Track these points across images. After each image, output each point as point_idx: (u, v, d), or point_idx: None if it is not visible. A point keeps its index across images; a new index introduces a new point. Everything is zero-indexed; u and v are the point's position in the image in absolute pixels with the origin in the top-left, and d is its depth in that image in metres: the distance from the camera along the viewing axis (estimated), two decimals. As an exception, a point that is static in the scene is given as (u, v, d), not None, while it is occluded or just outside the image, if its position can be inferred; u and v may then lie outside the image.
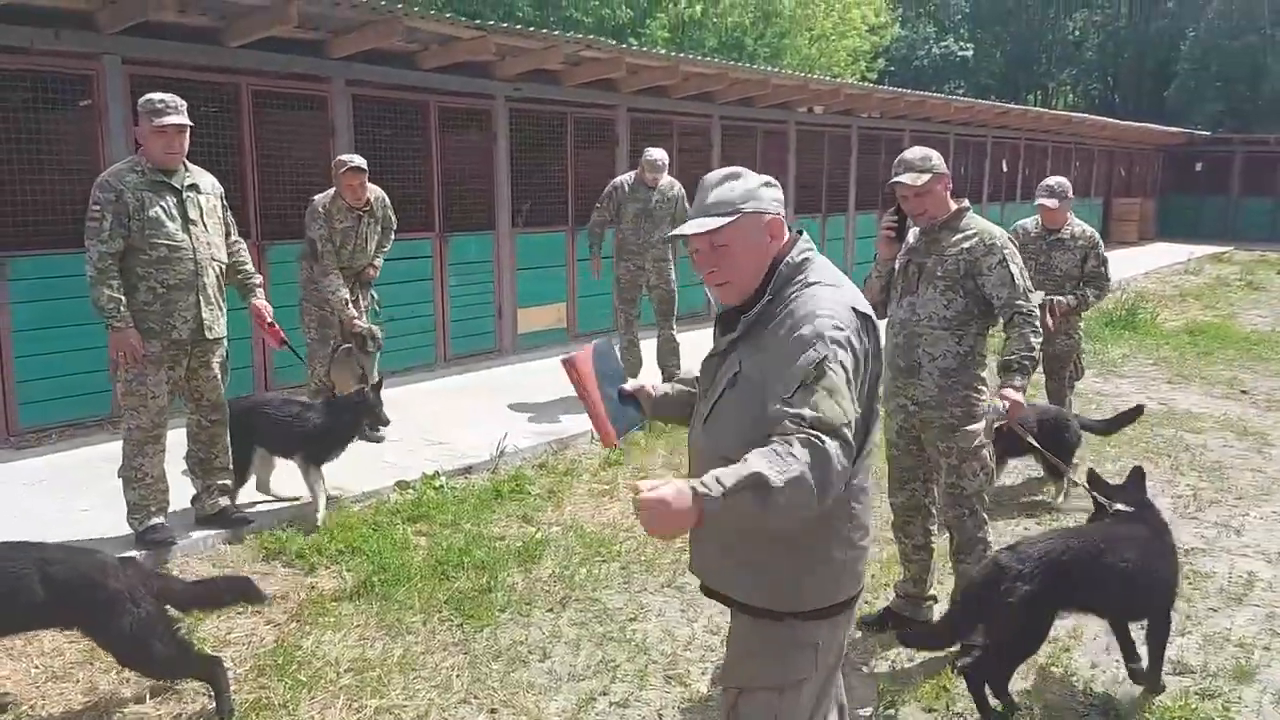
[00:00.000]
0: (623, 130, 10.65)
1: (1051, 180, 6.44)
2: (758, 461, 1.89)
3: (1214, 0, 36.70)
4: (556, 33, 9.82)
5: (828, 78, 16.40)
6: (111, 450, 5.43)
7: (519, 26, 8.84)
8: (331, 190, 6.55)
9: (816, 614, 2.26)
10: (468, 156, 9.35)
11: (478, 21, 8.54)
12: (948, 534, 4.14)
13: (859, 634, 4.28)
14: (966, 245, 3.84)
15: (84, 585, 3.26)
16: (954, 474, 3.95)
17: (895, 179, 3.92)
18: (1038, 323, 3.84)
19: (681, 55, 11.08)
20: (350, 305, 6.57)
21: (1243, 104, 35.11)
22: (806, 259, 2.24)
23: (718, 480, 1.87)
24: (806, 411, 1.96)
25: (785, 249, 2.24)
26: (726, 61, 11.94)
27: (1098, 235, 6.46)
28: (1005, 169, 19.42)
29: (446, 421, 7.28)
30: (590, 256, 8.19)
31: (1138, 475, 4.11)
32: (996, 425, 4.01)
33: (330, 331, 6.69)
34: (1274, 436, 7.60)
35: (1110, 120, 22.23)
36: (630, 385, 2.56)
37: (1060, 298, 6.12)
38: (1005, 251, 3.81)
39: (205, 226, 4.87)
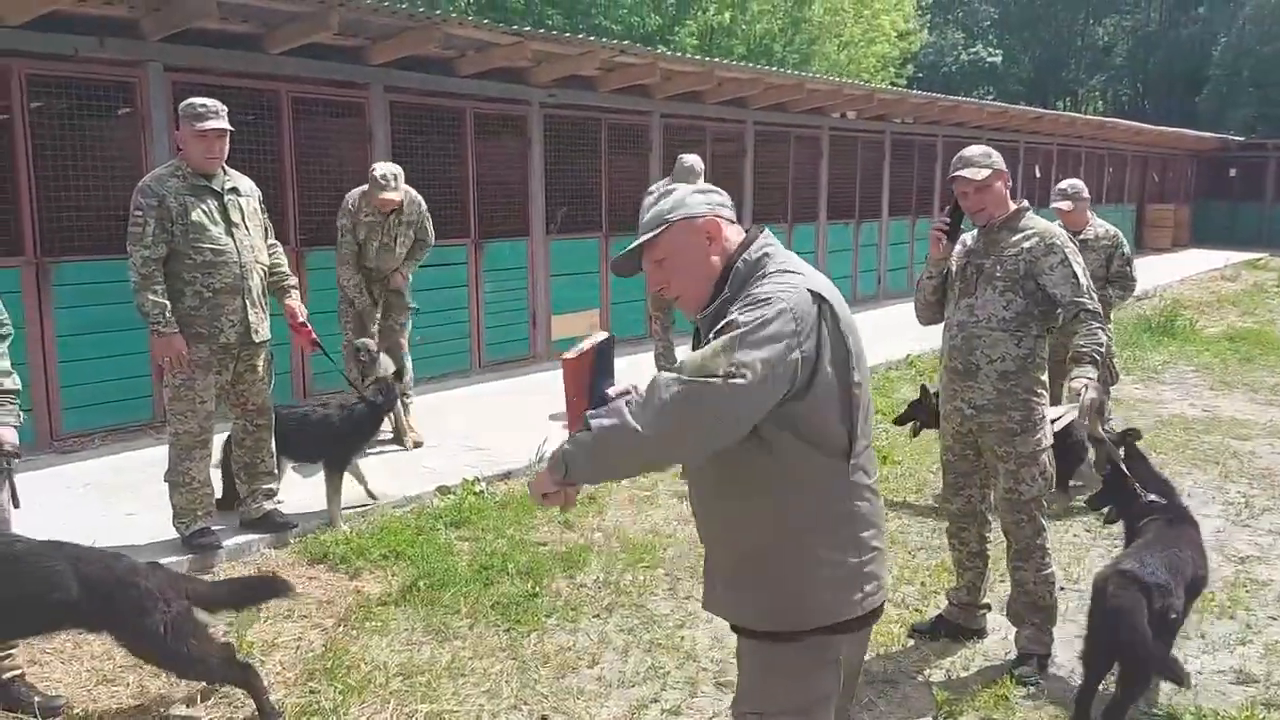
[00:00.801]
0: (656, 136, 10.63)
1: (1064, 183, 6.45)
2: (600, 418, 2.01)
3: (1246, 6, 36.30)
4: (592, 38, 9.80)
5: (861, 83, 16.34)
6: (154, 455, 5.47)
7: (554, 32, 8.83)
8: (365, 187, 6.55)
9: (835, 628, 2.14)
10: (502, 162, 9.36)
11: (515, 27, 8.54)
12: (1005, 540, 4.06)
13: (911, 642, 4.22)
14: (1026, 245, 3.78)
15: (116, 585, 3.25)
16: (1012, 479, 3.87)
17: (955, 174, 3.87)
18: (1104, 321, 3.77)
19: (715, 60, 11.04)
20: (365, 294, 6.64)
21: (1275, 109, 34.68)
22: (766, 254, 2.13)
23: (573, 440, 2.04)
24: (681, 363, 1.99)
25: (739, 249, 2.16)
26: (760, 67, 11.88)
27: (1121, 234, 6.44)
28: (1038, 175, 19.25)
29: (484, 427, 7.26)
30: None
31: (1137, 453, 4.11)
32: (1068, 419, 3.91)
33: (370, 337, 6.68)
34: (1326, 443, 7.46)
35: (1144, 125, 22.00)
36: (616, 389, 2.38)
37: None
38: (1066, 250, 3.75)
39: (248, 229, 4.88)
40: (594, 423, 1.99)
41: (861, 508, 2.15)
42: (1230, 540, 5.42)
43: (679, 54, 11.56)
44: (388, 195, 6.36)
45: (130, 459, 6.39)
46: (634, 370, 8.81)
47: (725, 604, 2.25)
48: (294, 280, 5.30)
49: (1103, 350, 3.74)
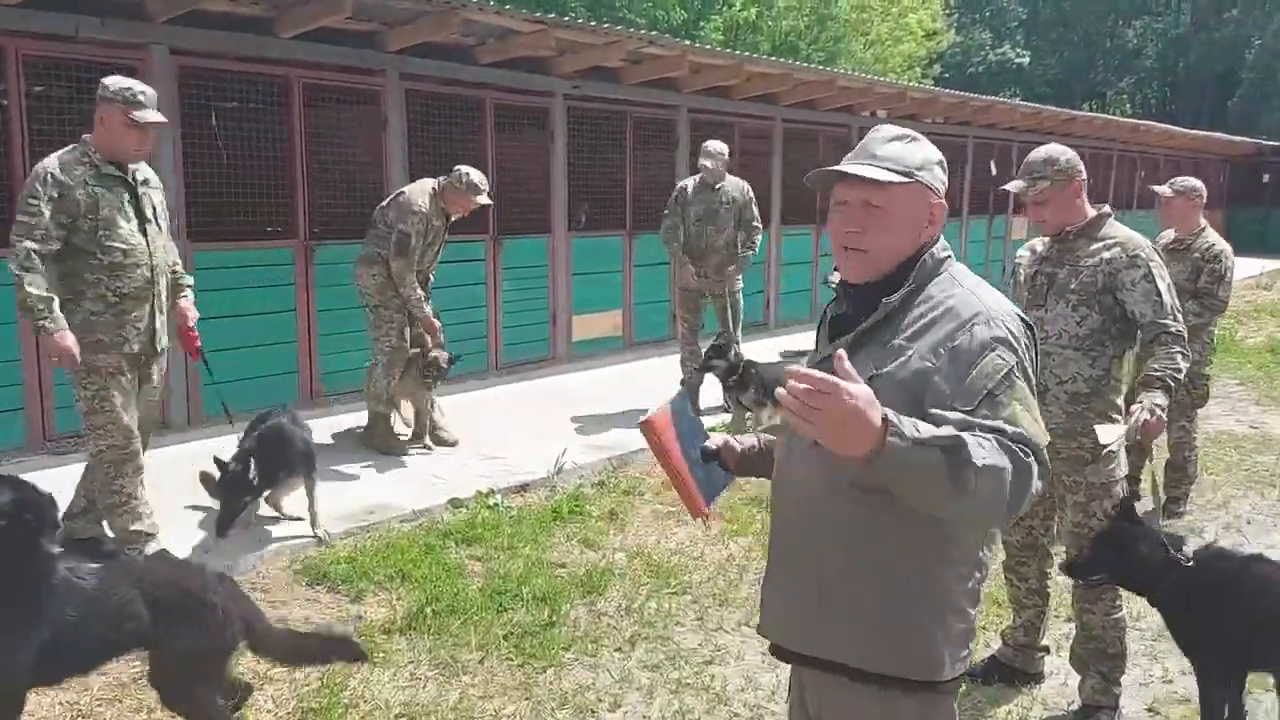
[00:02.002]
0: (683, 131, 10.25)
1: (1179, 178, 6.00)
2: (958, 431, 1.58)
3: (1281, 8, 35.71)
4: (619, 28, 9.43)
5: (892, 81, 15.92)
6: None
7: (579, 21, 8.47)
8: (430, 188, 6.23)
9: (953, 683, 1.89)
10: (523, 156, 8.99)
11: (537, 15, 8.18)
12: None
13: (961, 687, 3.84)
14: (1106, 256, 3.38)
15: (188, 602, 2.98)
16: (1081, 512, 3.49)
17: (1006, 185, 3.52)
18: (1187, 346, 3.37)
19: (745, 55, 10.67)
20: (428, 307, 6.33)
21: (1311, 114, 34.08)
22: (950, 257, 1.93)
23: (914, 424, 1.54)
24: (1004, 426, 1.65)
25: (930, 242, 1.92)
26: (790, 62, 11.50)
27: (1228, 253, 5.81)
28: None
29: (500, 434, 6.91)
30: (671, 261, 7.92)
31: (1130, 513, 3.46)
32: (1118, 444, 3.51)
33: (407, 343, 6.33)
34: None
35: (1177, 129, 21.48)
36: (714, 442, 2.16)
37: None
38: (1151, 264, 3.35)
39: (159, 227, 4.40)
40: (970, 442, 1.56)
41: (985, 556, 1.92)
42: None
43: (708, 47, 11.17)
44: (484, 200, 6.26)
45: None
46: (656, 375, 8.45)
47: (844, 644, 1.88)
48: (190, 280, 4.80)
49: (1179, 377, 3.35)
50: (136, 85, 4.24)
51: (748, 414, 7.26)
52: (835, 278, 1.95)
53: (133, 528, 4.39)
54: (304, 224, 7.24)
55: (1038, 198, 3.46)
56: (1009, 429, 1.64)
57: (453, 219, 6.39)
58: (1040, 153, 3.51)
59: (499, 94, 8.47)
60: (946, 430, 1.57)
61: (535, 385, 8.60)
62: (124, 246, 4.22)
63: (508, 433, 6.96)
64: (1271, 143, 26.81)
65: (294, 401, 7.10)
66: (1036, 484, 1.63)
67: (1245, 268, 20.88)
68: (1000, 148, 15.93)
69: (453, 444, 6.61)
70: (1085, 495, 3.48)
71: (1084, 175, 3.48)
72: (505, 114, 8.62)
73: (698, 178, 7.55)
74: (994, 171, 15.57)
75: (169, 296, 4.53)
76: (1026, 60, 41.03)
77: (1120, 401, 3.53)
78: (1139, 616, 4.40)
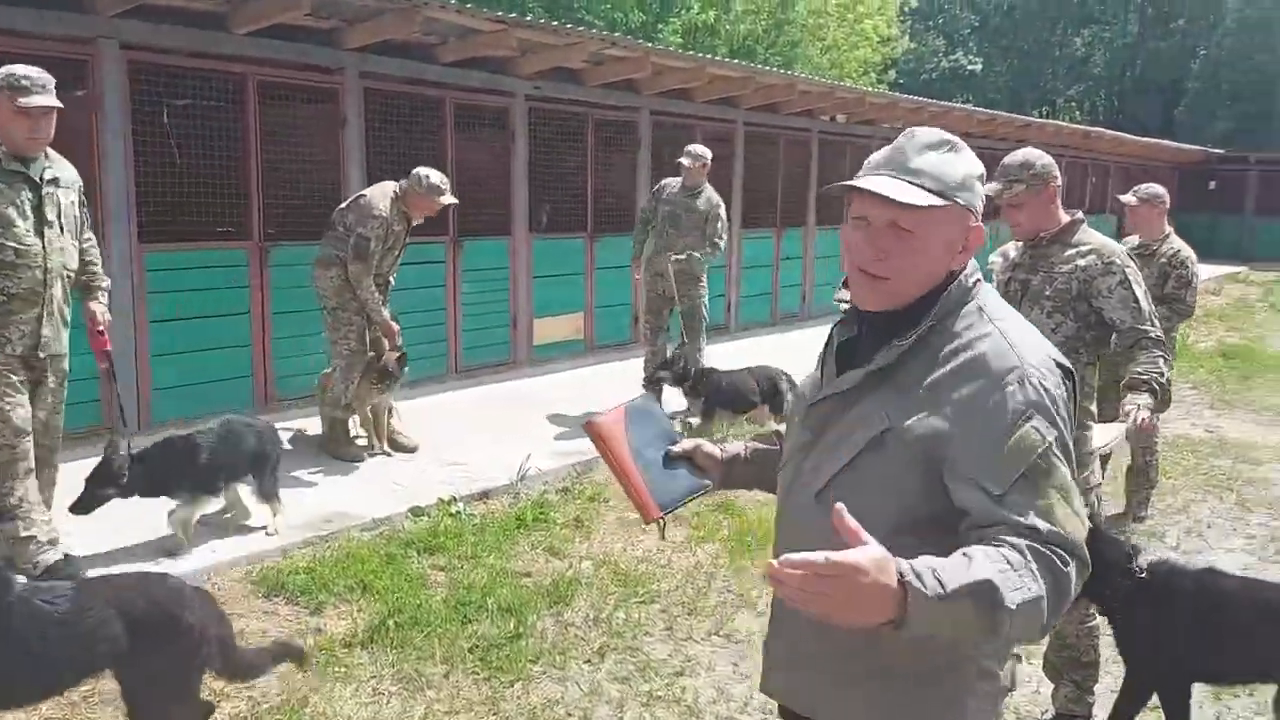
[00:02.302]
0: (645, 133, 10.18)
1: (1143, 185, 6.04)
2: (985, 565, 1.36)
3: (1227, 19, 36.40)
4: (581, 29, 9.35)
5: (853, 85, 15.99)
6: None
7: (541, 21, 8.36)
8: (391, 191, 6.10)
9: None
10: (484, 157, 8.86)
11: (500, 14, 8.07)
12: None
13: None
14: (1081, 263, 3.36)
15: (161, 619, 2.86)
16: (1058, 520, 3.46)
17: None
18: (1167, 350, 3.36)
19: (707, 57, 10.63)
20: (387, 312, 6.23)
21: (1254, 122, 34.75)
22: (978, 282, 1.69)
23: (935, 574, 1.33)
24: (1039, 523, 1.44)
25: (961, 268, 1.68)
26: (752, 65, 11.48)
27: (1192, 259, 5.88)
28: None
29: (461, 440, 6.79)
30: (633, 259, 8.03)
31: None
32: (1115, 443, 3.51)
33: (366, 346, 6.20)
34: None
35: (1127, 136, 21.82)
36: (682, 446, 2.01)
37: None
38: (1127, 270, 3.33)
39: (61, 229, 4.20)
40: (1002, 582, 1.35)
41: None
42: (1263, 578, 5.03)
43: (670, 48, 11.12)
44: (448, 200, 6.17)
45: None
46: (618, 379, 8.35)
47: (832, 709, 1.74)
48: (106, 282, 4.63)
49: (1163, 381, 3.34)
50: (23, 69, 4.01)
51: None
52: (845, 295, 1.74)
53: (23, 533, 4.16)
54: (259, 225, 7.06)
55: (1013, 201, 3.42)
56: (1043, 527, 1.43)
57: (415, 223, 6.27)
58: (1016, 156, 3.48)
59: (459, 94, 8.34)
60: (974, 573, 1.34)
61: (495, 389, 8.48)
62: (16, 246, 4.02)
63: (468, 438, 6.84)
64: (1218, 150, 27.35)
65: (249, 408, 6.96)
66: (1077, 585, 1.45)
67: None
68: (957, 153, 16.03)
69: (412, 450, 6.48)
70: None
71: (1059, 180, 3.45)
72: (466, 114, 8.49)
73: (680, 179, 7.56)
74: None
75: (66, 301, 4.30)
76: (979, 67, 41.45)
77: (1094, 408, 3.51)
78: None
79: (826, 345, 1.80)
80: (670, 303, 7.65)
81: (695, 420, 7.29)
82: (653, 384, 7.44)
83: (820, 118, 12.98)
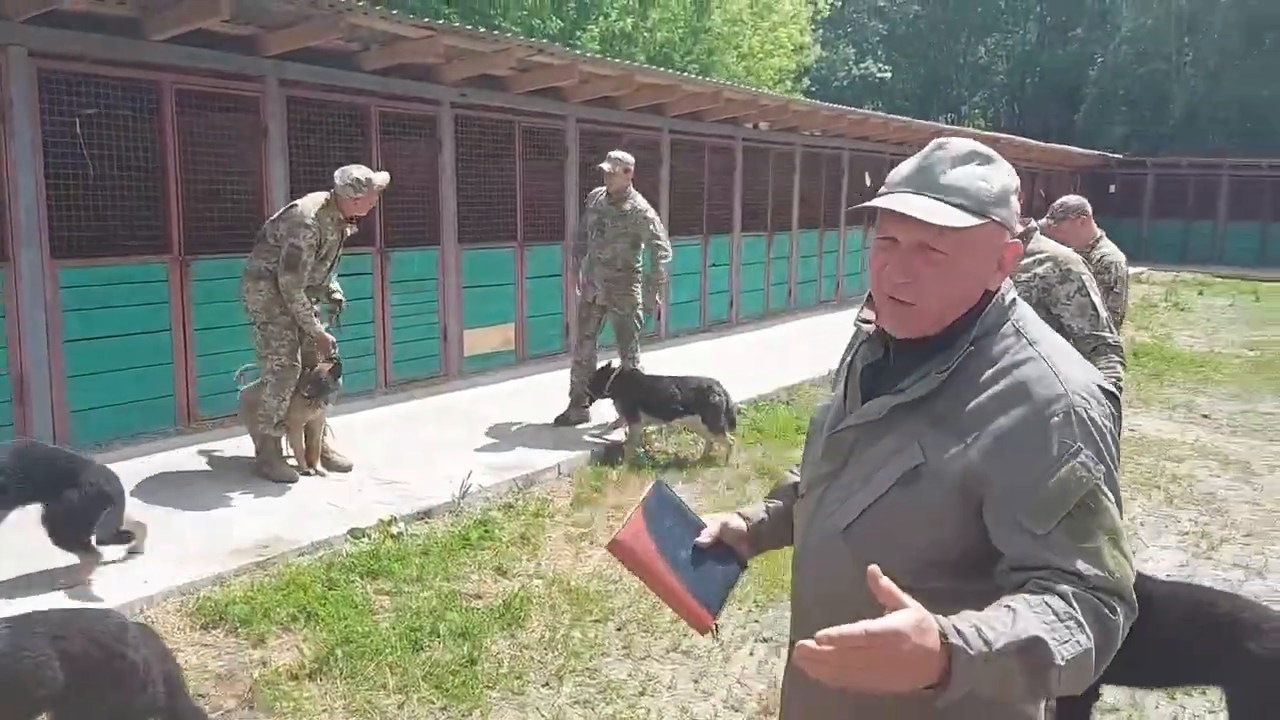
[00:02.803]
0: (573, 141, 10.09)
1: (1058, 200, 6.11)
2: (1031, 620, 1.27)
3: (1123, 27, 37.74)
4: (509, 35, 9.24)
5: (776, 93, 16.13)
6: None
7: (468, 27, 8.22)
8: (323, 200, 5.89)
9: None
10: (411, 166, 8.68)
11: (426, 20, 7.91)
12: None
13: None
14: (1039, 271, 3.40)
15: (104, 659, 2.70)
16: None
17: None
18: (1123, 355, 3.41)
19: (635, 64, 10.60)
20: (321, 324, 6.01)
21: (1149, 127, 36.07)
22: (1015, 300, 1.56)
23: (979, 634, 1.24)
24: (1086, 568, 1.35)
25: (996, 289, 1.56)
26: (678, 73, 11.49)
27: (1120, 265, 6.00)
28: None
29: (396, 456, 6.61)
30: (565, 270, 8.05)
31: None
32: None
33: (299, 362, 5.99)
34: (1257, 465, 7.39)
35: (1033, 142, 22.44)
36: (707, 534, 1.78)
37: None
38: (1084, 278, 3.38)
39: None
40: (1049, 637, 1.27)
41: None
42: (1197, 576, 5.17)
43: (597, 56, 11.06)
44: (380, 180, 5.97)
45: None
46: (550, 389, 8.22)
47: None
48: None
49: (1121, 385, 3.38)
50: None
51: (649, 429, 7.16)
52: (869, 315, 1.63)
53: None
54: (179, 238, 6.79)
55: None
56: (1090, 574, 1.34)
57: (349, 232, 6.08)
58: None
59: (384, 101, 8.16)
60: (1021, 629, 1.26)
61: (427, 403, 8.30)
62: None
63: (404, 454, 6.67)
64: (1117, 155, 28.33)
65: (170, 426, 6.70)
66: (1124, 633, 1.35)
67: (1099, 274, 22.01)
68: (874, 160, 16.32)
69: (346, 469, 6.29)
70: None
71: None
72: (391, 122, 8.31)
73: (605, 188, 7.39)
74: (869, 182, 15.94)
75: None
76: (888, 75, 42.27)
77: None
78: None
79: (849, 369, 1.67)
80: (600, 311, 7.54)
81: (619, 435, 7.20)
82: (579, 404, 7.34)
83: (744, 125, 13.06)
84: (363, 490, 5.91)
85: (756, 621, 4.48)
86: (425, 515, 5.59)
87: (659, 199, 11.46)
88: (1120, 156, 28.31)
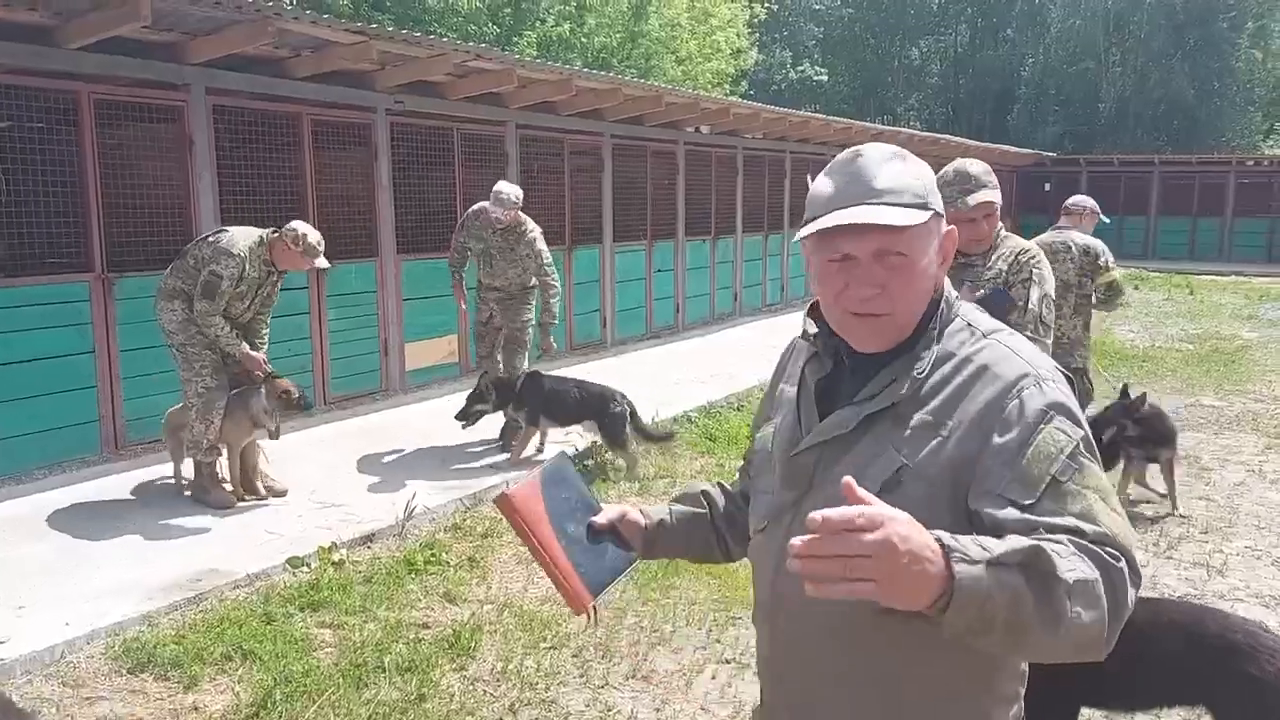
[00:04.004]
0: (512, 148, 9.88)
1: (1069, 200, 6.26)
2: (1028, 540, 1.20)
3: (1052, 28, 38.39)
4: (444, 40, 9.01)
5: (718, 96, 16.06)
6: None
7: (403, 32, 7.98)
8: (256, 233, 5.62)
9: None
10: (346, 175, 8.41)
11: (359, 25, 7.65)
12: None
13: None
14: (1003, 266, 3.31)
15: None
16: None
17: (975, 197, 3.29)
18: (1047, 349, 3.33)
19: (574, 69, 10.42)
20: (240, 340, 5.68)
21: (1080, 126, 36.75)
22: (953, 292, 1.55)
23: (975, 541, 1.18)
24: (1081, 524, 1.27)
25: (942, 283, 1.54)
26: (618, 77, 11.34)
27: (1099, 248, 6.03)
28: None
29: (336, 478, 6.35)
30: (453, 286, 7.47)
31: None
32: None
33: (224, 382, 5.69)
34: (1207, 460, 7.41)
35: (973, 142, 22.70)
36: (606, 515, 1.74)
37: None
38: (1034, 271, 3.30)
39: None
40: (1052, 553, 1.19)
41: (1024, 672, 1.60)
42: (1160, 576, 5.13)
43: (537, 61, 10.86)
44: (321, 264, 5.74)
45: None
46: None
47: None
48: None
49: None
50: None
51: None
52: (811, 328, 1.60)
53: None
54: (101, 255, 6.47)
55: (990, 210, 3.32)
56: (1087, 529, 1.27)
57: (275, 281, 5.82)
58: (973, 165, 3.39)
59: (317, 109, 7.89)
60: (1019, 540, 1.20)
61: (369, 420, 8.03)
62: None
63: (345, 476, 6.42)
64: (1050, 154, 28.78)
65: (96, 453, 6.38)
66: (1133, 595, 1.26)
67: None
68: (815, 162, 16.31)
69: (282, 493, 6.02)
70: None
71: None
72: (325, 131, 8.03)
73: (489, 209, 6.76)
74: (810, 183, 15.90)
75: None
76: (825, 78, 42.57)
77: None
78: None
79: (801, 386, 1.59)
80: (496, 331, 7.20)
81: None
82: (468, 418, 6.95)
83: (685, 129, 12.94)
84: (302, 515, 5.65)
85: (718, 642, 4.32)
86: (368, 540, 5.34)
87: (602, 205, 11.29)
88: (1054, 155, 28.76)
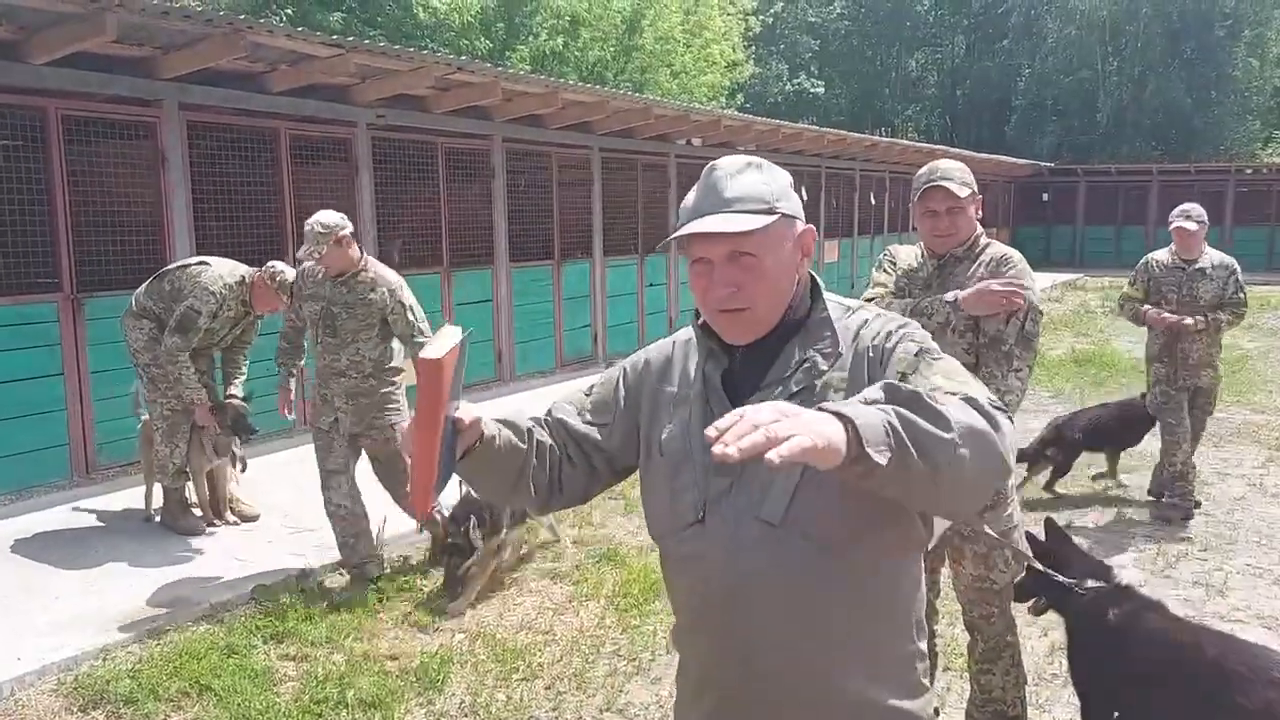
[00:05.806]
0: (498, 162, 9.75)
1: (1188, 205, 6.05)
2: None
3: (1048, 39, 38.36)
4: (425, 52, 8.88)
5: (708, 108, 15.95)
6: None
7: (381, 44, 7.85)
8: (239, 271, 5.44)
9: None
10: (326, 191, 8.25)
11: (335, 37, 7.53)
12: (969, 637, 3.39)
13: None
14: (983, 272, 3.15)
15: None
16: (981, 564, 3.20)
17: (932, 184, 3.15)
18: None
19: (559, 81, 10.29)
20: (202, 388, 5.44)
21: (1078, 136, 36.68)
22: (816, 280, 1.73)
23: (862, 398, 1.33)
24: (938, 382, 1.47)
25: (807, 274, 1.73)
26: (606, 89, 11.22)
27: (1235, 263, 6.16)
28: (874, 201, 19.36)
29: (306, 502, 6.14)
30: (280, 386, 5.46)
31: (1058, 533, 3.44)
32: None
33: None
34: (1207, 474, 7.23)
35: (968, 153, 22.59)
36: (470, 413, 1.59)
37: (1188, 319, 5.85)
38: (1010, 276, 3.14)
39: None
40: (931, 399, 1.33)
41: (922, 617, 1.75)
42: (1158, 596, 4.92)
43: (521, 72, 10.74)
44: (278, 305, 5.43)
45: None
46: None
47: None
48: None
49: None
50: None
51: None
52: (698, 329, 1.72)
53: None
54: (70, 275, 6.33)
55: (958, 204, 3.17)
56: (945, 385, 1.45)
57: (253, 322, 5.70)
58: (950, 164, 3.26)
59: (295, 124, 7.75)
60: (900, 388, 1.35)
61: (350, 440, 7.84)
62: None
63: (316, 499, 6.19)
64: (1048, 164, 28.67)
65: (65, 478, 6.21)
66: (1012, 440, 1.37)
67: (1037, 282, 22.17)
68: (809, 172, 16.19)
69: (254, 518, 5.85)
70: (984, 545, 3.19)
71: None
72: (303, 146, 7.90)
73: (315, 258, 4.77)
74: (804, 196, 15.80)
75: None
76: (822, 90, 42.57)
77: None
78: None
79: (705, 382, 1.68)
80: (349, 441, 5.08)
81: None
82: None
83: (677, 141, 12.81)
84: (273, 541, 5.48)
85: (698, 671, 4.14)
86: (339, 567, 5.16)
87: (592, 218, 11.15)
88: (1052, 165, 28.66)
